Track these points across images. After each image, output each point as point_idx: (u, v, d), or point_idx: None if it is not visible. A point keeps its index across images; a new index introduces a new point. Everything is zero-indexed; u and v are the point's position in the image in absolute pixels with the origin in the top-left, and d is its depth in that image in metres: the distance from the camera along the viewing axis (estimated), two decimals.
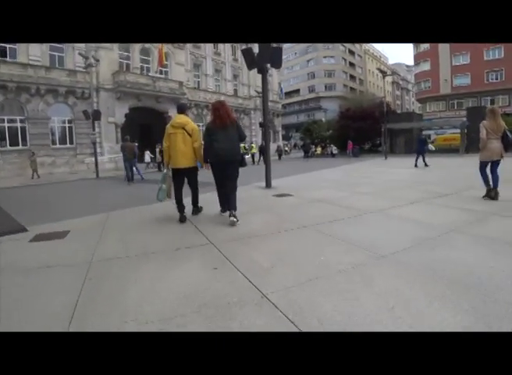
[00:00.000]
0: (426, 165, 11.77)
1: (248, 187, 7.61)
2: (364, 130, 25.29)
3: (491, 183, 4.95)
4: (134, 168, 11.40)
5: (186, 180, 4.45)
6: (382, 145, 27.92)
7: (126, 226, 4.26)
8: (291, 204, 5.34)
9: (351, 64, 58.57)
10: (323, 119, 36.01)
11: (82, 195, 8.90)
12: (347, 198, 5.56)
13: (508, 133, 4.98)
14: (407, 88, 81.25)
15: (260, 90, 30.58)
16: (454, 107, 39.69)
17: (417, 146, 12.47)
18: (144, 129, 22.95)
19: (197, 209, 4.68)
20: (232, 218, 3.88)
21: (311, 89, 56.37)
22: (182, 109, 4.46)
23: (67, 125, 19.90)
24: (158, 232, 3.86)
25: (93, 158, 20.74)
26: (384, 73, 19.73)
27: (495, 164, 5.05)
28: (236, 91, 31.62)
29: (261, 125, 26.74)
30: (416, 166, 11.83)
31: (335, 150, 25.24)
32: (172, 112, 23.81)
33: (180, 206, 4.31)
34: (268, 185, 7.51)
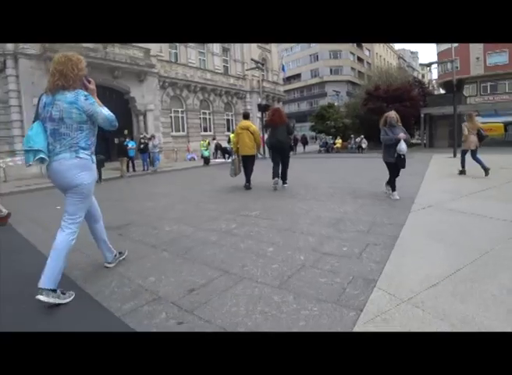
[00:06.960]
0: None
1: None
2: (401, 115, 18.68)
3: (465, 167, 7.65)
4: None
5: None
6: (421, 136, 21.67)
7: None
8: None
9: (358, 44, 51.87)
10: (336, 104, 29.03)
11: None
12: None
13: (481, 131, 7.48)
14: (412, 75, 75.16)
15: (257, 59, 23.74)
16: (487, 91, 33.63)
17: None
18: None
19: (248, 185, 6.96)
20: (285, 185, 6.80)
21: (315, 73, 49.54)
22: (247, 117, 7.27)
23: None
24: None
25: (16, 159, 14.27)
26: None
27: (474, 152, 7.40)
28: (226, 68, 24.77)
29: (260, 108, 20.17)
30: None
31: (364, 143, 18.56)
32: (136, 92, 17.01)
33: (247, 179, 7.03)
34: None
